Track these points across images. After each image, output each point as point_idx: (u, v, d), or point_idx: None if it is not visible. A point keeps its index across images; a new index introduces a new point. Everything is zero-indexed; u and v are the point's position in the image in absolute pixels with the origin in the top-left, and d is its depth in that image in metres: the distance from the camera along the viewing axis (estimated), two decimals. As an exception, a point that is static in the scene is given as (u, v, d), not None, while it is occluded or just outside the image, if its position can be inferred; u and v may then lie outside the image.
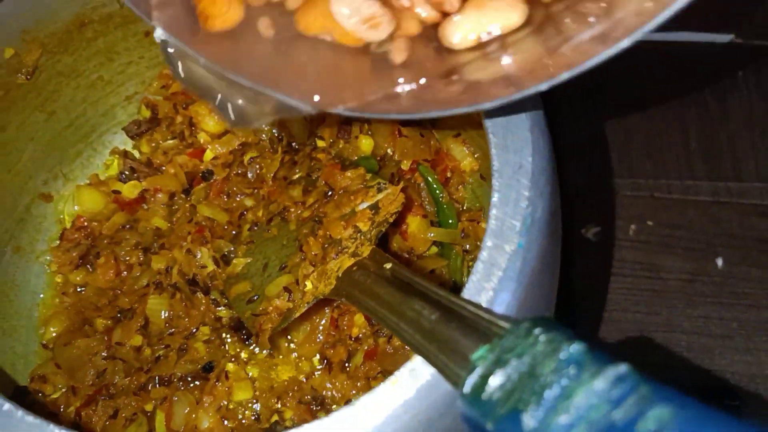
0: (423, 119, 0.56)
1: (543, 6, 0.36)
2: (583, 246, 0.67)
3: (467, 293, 0.35)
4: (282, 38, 0.38)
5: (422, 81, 0.36)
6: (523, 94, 0.34)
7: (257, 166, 0.58)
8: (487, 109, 0.35)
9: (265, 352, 0.54)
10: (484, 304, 0.35)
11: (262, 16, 0.39)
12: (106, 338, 0.54)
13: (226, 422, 0.52)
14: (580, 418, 0.24)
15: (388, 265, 0.43)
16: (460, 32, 0.36)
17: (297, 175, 0.57)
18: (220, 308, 0.55)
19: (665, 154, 0.71)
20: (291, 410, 0.53)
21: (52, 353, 0.55)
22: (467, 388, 0.28)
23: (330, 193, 0.54)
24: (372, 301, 0.41)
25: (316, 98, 0.37)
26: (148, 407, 0.52)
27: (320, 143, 0.59)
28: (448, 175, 0.57)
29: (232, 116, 0.41)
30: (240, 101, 0.40)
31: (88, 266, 0.58)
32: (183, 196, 0.59)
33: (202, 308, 0.55)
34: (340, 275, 0.47)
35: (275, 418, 0.53)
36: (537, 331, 0.28)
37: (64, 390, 0.54)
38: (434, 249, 0.56)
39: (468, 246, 0.55)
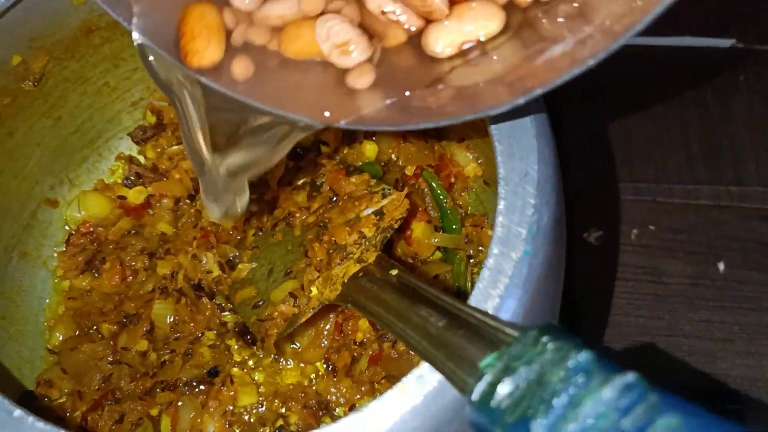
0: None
1: (521, 12, 0.37)
2: (586, 250, 0.67)
3: (474, 300, 0.35)
4: (267, 68, 0.39)
5: (407, 93, 0.36)
6: (513, 104, 0.34)
7: (262, 172, 0.58)
8: (478, 118, 0.36)
9: (270, 357, 0.54)
10: (490, 311, 0.35)
11: (239, 57, 0.39)
12: (111, 343, 0.55)
13: (231, 427, 0.52)
14: (588, 426, 0.24)
15: (394, 272, 0.43)
16: (442, 41, 0.37)
17: (302, 181, 0.58)
18: (225, 313, 0.56)
19: (667, 158, 0.72)
20: (296, 414, 0.53)
21: (59, 358, 0.55)
22: (476, 395, 0.28)
23: (335, 198, 0.54)
24: (378, 307, 0.41)
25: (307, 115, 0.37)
26: (154, 412, 0.52)
27: (324, 149, 0.59)
28: (452, 180, 0.57)
29: (217, 214, 0.42)
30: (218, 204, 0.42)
31: (94, 271, 0.58)
32: (188, 201, 0.59)
33: (207, 313, 0.55)
34: (345, 281, 0.47)
35: (280, 422, 0.53)
36: (545, 338, 0.28)
37: (70, 394, 0.54)
38: (438, 254, 0.56)
39: (471, 251, 0.55)
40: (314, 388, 0.53)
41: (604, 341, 0.63)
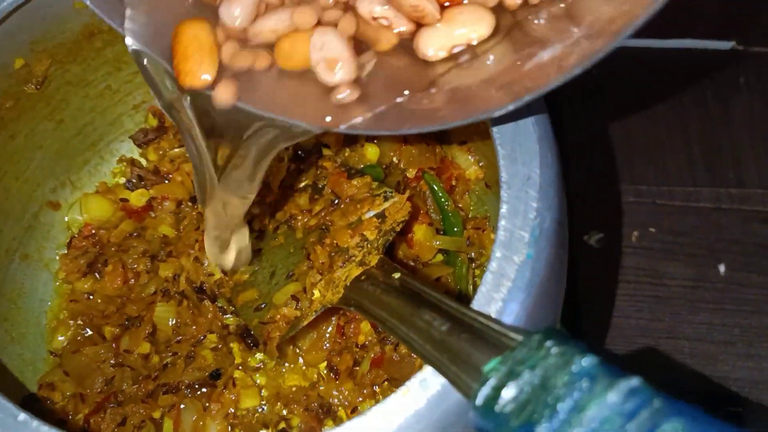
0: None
1: (510, 14, 0.37)
2: (587, 253, 0.68)
3: (477, 304, 0.36)
4: (261, 81, 0.39)
5: (402, 97, 0.36)
6: (505, 109, 0.34)
7: (264, 174, 0.58)
8: (474, 122, 0.36)
9: (272, 359, 0.54)
10: (493, 315, 0.35)
11: (227, 80, 0.39)
12: (114, 346, 0.55)
13: (233, 429, 0.52)
14: (593, 431, 0.24)
15: (397, 275, 0.44)
16: (434, 45, 0.37)
17: (303, 183, 0.58)
18: (227, 316, 0.56)
19: (667, 161, 0.72)
20: (298, 417, 0.53)
21: (61, 361, 0.55)
22: (480, 399, 0.28)
23: (336, 201, 0.54)
24: (381, 310, 0.41)
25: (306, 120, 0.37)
26: (156, 414, 0.52)
27: (326, 151, 0.59)
28: (453, 183, 0.58)
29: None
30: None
31: (96, 274, 0.58)
32: (190, 203, 0.59)
33: (209, 316, 0.55)
34: (348, 284, 0.47)
35: (282, 425, 0.53)
36: (549, 343, 0.28)
37: (72, 397, 0.54)
38: (440, 257, 0.56)
39: (473, 254, 0.55)
40: (316, 390, 0.53)
41: (607, 345, 0.63)
